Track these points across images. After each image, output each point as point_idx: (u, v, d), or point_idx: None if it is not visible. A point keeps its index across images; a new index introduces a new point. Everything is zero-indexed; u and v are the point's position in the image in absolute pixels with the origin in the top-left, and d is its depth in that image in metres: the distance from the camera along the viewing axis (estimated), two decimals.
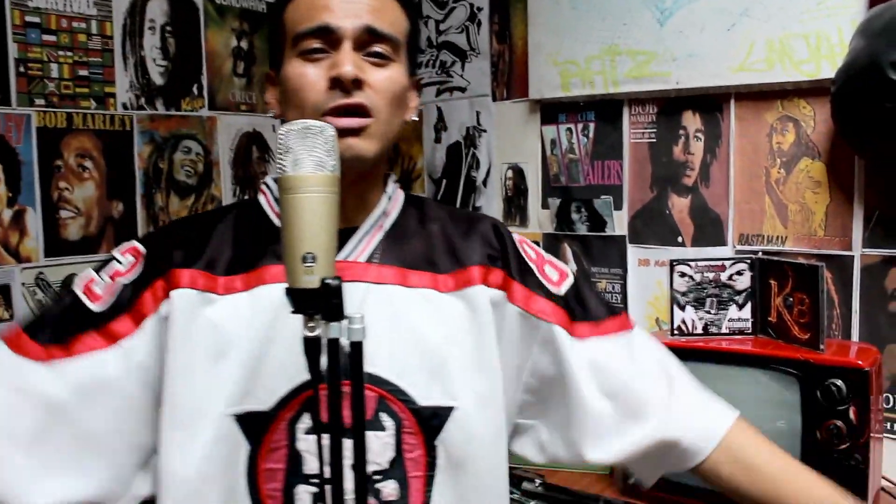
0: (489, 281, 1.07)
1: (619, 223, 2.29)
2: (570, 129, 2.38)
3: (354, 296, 0.97)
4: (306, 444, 0.97)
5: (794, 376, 1.63)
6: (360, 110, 0.97)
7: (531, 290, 1.10)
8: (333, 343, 0.80)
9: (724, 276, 1.80)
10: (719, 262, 1.80)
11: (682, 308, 1.82)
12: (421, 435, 1.00)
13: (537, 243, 2.46)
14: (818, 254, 1.94)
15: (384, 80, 1.00)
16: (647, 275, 2.22)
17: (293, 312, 0.80)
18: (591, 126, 2.34)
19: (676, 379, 1.16)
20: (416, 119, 1.14)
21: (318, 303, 0.79)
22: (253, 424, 0.97)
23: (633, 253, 2.26)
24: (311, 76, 0.98)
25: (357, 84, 0.97)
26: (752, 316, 1.80)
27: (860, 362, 1.58)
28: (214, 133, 2.73)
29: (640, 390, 1.12)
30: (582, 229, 2.36)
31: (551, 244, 2.44)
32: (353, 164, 0.96)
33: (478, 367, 1.04)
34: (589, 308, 1.14)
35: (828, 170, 1.95)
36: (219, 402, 0.97)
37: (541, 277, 1.12)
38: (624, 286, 2.28)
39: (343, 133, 0.93)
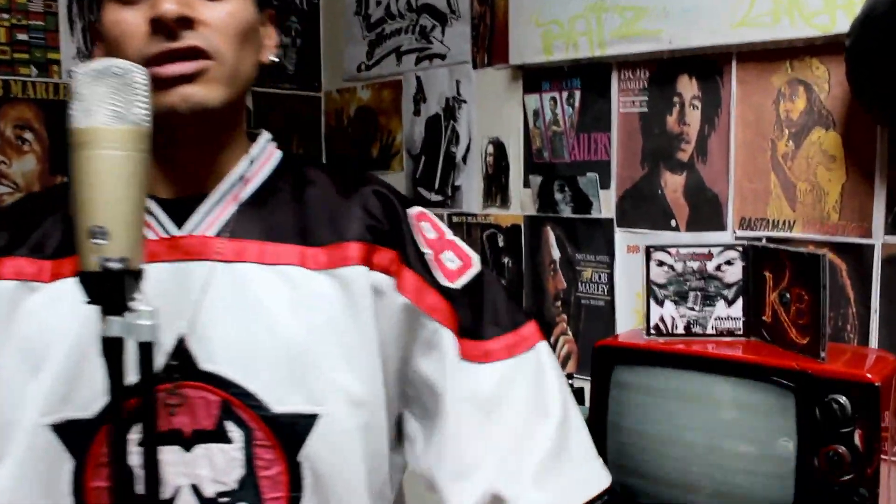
0: (374, 262, 0.91)
1: (605, 204, 1.99)
2: (553, 99, 2.08)
3: (196, 277, 0.86)
4: (140, 458, 0.81)
5: (789, 390, 1.33)
6: (194, 53, 0.84)
7: (424, 279, 0.94)
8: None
9: (710, 266, 1.49)
10: (705, 250, 1.50)
11: (661, 303, 1.52)
12: (279, 449, 0.86)
13: (516, 228, 2.17)
14: (832, 242, 1.62)
15: (223, 16, 0.86)
16: (636, 263, 1.91)
17: (88, 303, 0.69)
18: (577, 94, 2.04)
19: (554, 427, 0.96)
20: (277, 60, 0.94)
21: (103, 291, 0.68)
22: (74, 435, 0.84)
23: (622, 238, 1.96)
24: (128, 21, 0.84)
25: (185, 23, 0.83)
26: (744, 314, 1.50)
27: (869, 375, 1.27)
28: None
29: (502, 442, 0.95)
30: (566, 211, 2.06)
31: (534, 228, 2.15)
32: (193, 116, 0.84)
33: (350, 365, 0.89)
34: (483, 316, 0.96)
35: (844, 142, 1.63)
36: (33, 409, 0.84)
37: (434, 265, 0.95)
38: (611, 275, 1.98)
39: (175, 81, 0.82)
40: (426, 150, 2.44)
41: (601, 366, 1.55)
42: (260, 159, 0.96)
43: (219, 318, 0.84)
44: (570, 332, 2.09)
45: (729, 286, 1.49)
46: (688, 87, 1.84)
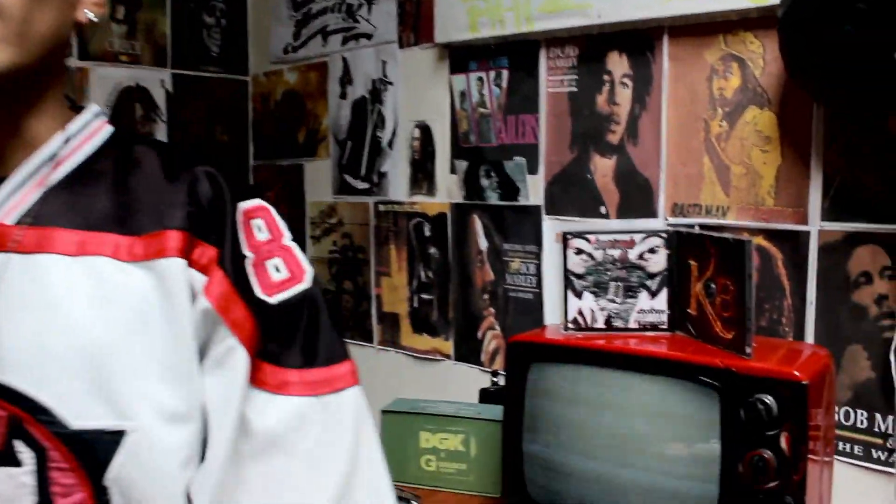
0: (194, 258, 0.78)
1: (534, 190, 1.86)
2: (480, 79, 1.94)
3: None
4: None
5: (713, 389, 1.20)
6: None
7: (235, 287, 0.79)
8: None
9: (632, 255, 1.36)
10: (626, 237, 1.36)
11: (579, 295, 1.39)
12: (81, 472, 0.72)
13: (443, 217, 2.03)
14: (767, 229, 1.49)
15: None
16: None
17: None
18: (504, 74, 1.90)
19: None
20: (96, 21, 0.81)
21: None
22: None
23: (550, 226, 1.83)
24: None
25: None
26: (669, 307, 1.37)
27: (797, 373, 1.14)
28: (87, 87, 2.31)
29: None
30: (493, 198, 1.92)
31: (461, 217, 2.01)
32: None
33: (164, 372, 0.76)
34: (293, 342, 0.81)
35: (779, 122, 1.50)
36: None
37: (252, 271, 0.81)
38: (539, 266, 1.85)
39: None
40: (352, 136, 2.29)
41: (516, 363, 1.41)
42: (79, 137, 0.83)
43: (9, 319, 0.72)
44: (497, 327, 1.96)
45: (652, 276, 1.36)
46: (618, 64, 1.71)
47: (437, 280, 2.08)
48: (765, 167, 1.52)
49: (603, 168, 1.74)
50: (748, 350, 1.19)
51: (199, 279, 0.77)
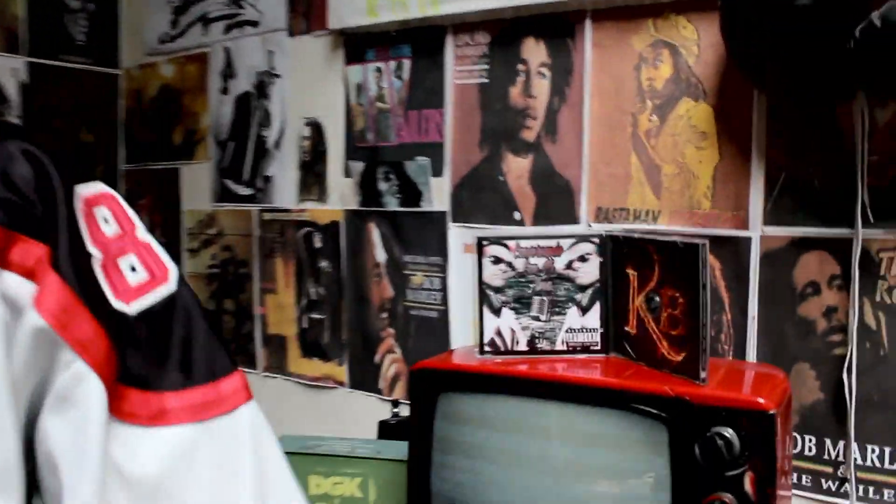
0: (9, 257, 0.59)
1: (438, 194, 1.63)
2: (379, 70, 1.70)
3: None
4: None
5: (660, 421, 0.98)
6: None
7: (78, 294, 0.61)
8: None
9: (559, 264, 1.14)
10: (553, 243, 1.14)
11: (497, 312, 1.16)
12: None
13: (335, 225, 1.77)
14: (703, 234, 1.30)
15: None
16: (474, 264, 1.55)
17: None
18: (406, 64, 1.67)
19: None
20: None
21: None
22: None
23: (457, 235, 1.60)
24: None
25: None
26: (602, 325, 1.15)
27: (761, 400, 0.94)
28: None
29: None
30: (392, 203, 1.68)
31: (356, 226, 1.76)
32: None
33: None
34: (166, 358, 0.65)
35: (716, 115, 1.32)
36: None
37: (102, 274, 0.64)
38: (444, 280, 1.61)
39: None
40: (234, 136, 2.01)
41: (422, 394, 1.17)
42: None
43: None
44: (398, 350, 1.71)
45: (583, 289, 1.14)
46: (535, 51, 1.50)
47: (328, 297, 1.83)
48: (700, 166, 1.33)
49: (517, 169, 1.52)
50: (703, 375, 0.98)
51: (26, 288, 0.58)
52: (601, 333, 1.14)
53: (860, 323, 1.19)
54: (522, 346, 1.16)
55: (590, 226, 1.41)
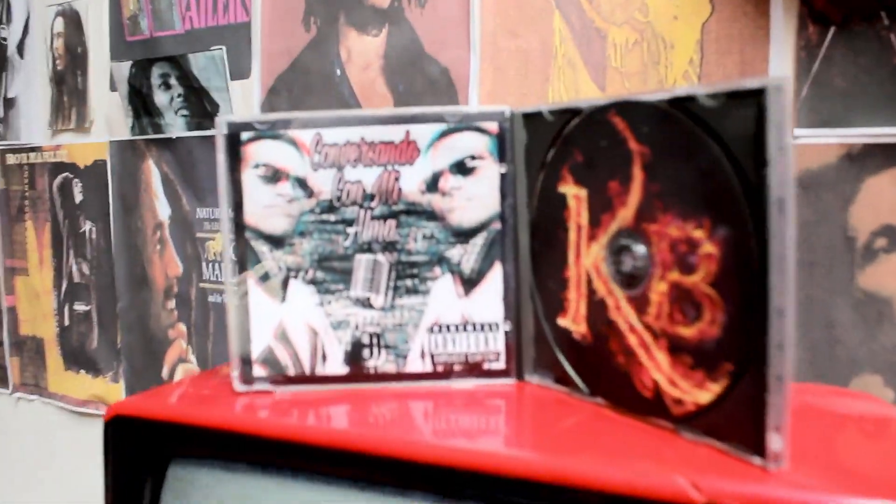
0: None
1: (243, 105, 0.96)
2: None
3: None
4: None
5: None
6: None
7: None
8: None
9: (412, 182, 0.49)
10: (398, 134, 0.49)
11: (278, 290, 0.49)
12: None
13: (101, 167, 1.09)
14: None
15: None
16: None
17: None
18: None
19: None
20: None
21: None
22: None
23: None
24: None
25: None
26: (508, 315, 0.50)
27: None
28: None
29: None
30: (176, 125, 1.00)
31: (128, 164, 1.07)
32: None
33: None
34: None
35: None
36: None
37: None
38: None
39: None
40: None
41: (122, 463, 0.50)
42: None
43: None
44: (193, 356, 1.04)
45: (464, 235, 0.49)
46: None
47: (97, 279, 1.14)
48: (677, 26, 0.70)
49: (363, 54, 0.87)
50: (775, 445, 0.34)
51: None
52: (506, 334, 0.49)
53: None
54: (335, 365, 0.50)
55: None
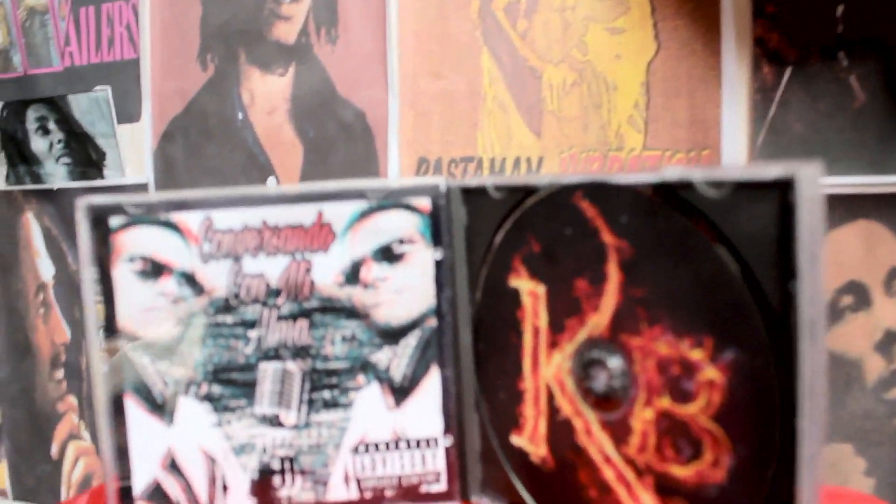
0: None
1: (132, 153, 0.84)
2: None
3: None
4: None
5: None
6: None
7: None
8: None
9: (327, 274, 0.39)
10: (309, 216, 0.39)
11: (163, 409, 0.39)
12: None
13: None
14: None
15: None
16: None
17: None
18: None
19: None
20: None
21: None
22: None
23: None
24: None
25: None
26: (449, 428, 0.41)
27: None
28: None
29: None
30: (58, 175, 0.88)
31: (6, 216, 0.94)
32: None
33: None
34: None
35: None
36: None
37: None
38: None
39: None
40: None
41: None
42: None
43: None
44: (86, 434, 0.91)
45: (392, 336, 0.40)
46: None
47: None
48: (619, 66, 0.63)
49: (267, 96, 0.76)
50: None
51: None
52: (447, 451, 0.40)
53: None
54: (239, 497, 0.40)
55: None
